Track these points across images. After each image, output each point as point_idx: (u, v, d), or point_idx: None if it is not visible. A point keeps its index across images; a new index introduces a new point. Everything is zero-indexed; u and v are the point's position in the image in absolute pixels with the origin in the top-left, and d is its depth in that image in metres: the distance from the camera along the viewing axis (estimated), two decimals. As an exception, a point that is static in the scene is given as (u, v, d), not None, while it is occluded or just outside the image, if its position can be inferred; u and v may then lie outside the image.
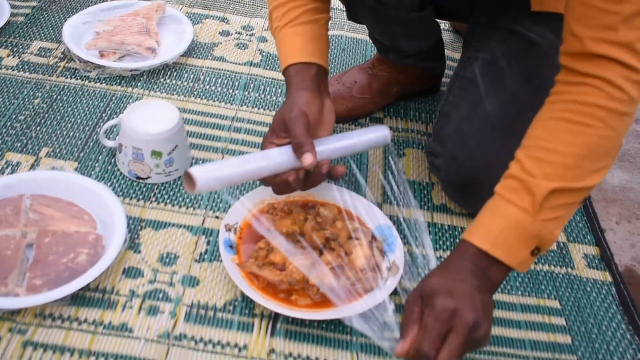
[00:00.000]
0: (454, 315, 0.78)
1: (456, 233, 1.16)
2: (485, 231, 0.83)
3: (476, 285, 0.81)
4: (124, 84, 1.37)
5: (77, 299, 0.96)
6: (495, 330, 1.01)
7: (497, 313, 1.03)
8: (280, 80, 1.44)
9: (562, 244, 1.17)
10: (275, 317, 0.97)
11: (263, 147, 0.99)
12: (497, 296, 1.06)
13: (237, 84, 1.42)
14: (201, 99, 1.37)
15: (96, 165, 1.18)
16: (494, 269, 0.82)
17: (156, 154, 1.11)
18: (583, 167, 0.80)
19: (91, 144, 1.22)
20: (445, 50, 1.45)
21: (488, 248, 0.81)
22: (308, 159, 0.92)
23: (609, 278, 1.13)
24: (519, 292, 1.07)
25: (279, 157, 0.95)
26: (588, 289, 1.11)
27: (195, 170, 0.88)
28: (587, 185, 0.81)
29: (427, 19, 1.29)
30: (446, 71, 1.49)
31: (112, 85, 1.37)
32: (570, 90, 0.80)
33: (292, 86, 1.03)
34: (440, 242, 1.14)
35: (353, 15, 1.25)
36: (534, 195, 0.79)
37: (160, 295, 0.98)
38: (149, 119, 1.11)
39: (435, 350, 0.77)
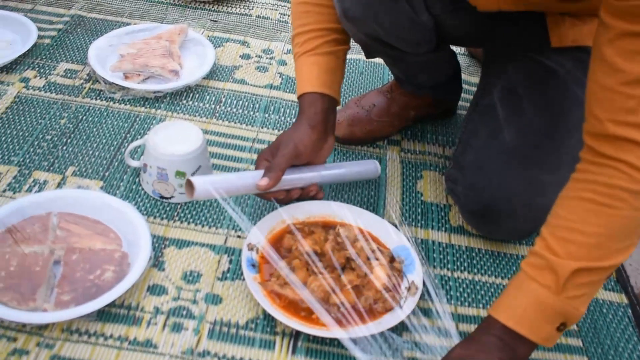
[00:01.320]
0: None
1: (473, 254, 1.18)
2: (510, 308, 0.85)
3: (500, 357, 0.83)
4: (148, 106, 1.40)
5: (103, 314, 0.98)
6: (513, 351, 1.02)
7: (515, 334, 1.05)
8: (300, 103, 1.47)
9: (578, 266, 1.19)
10: (296, 335, 0.99)
11: (258, 160, 1.09)
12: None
13: (257, 106, 1.45)
14: (223, 120, 1.40)
15: (121, 184, 1.21)
16: (519, 345, 0.84)
17: (180, 174, 1.14)
18: (607, 247, 0.81)
19: (116, 163, 1.25)
20: (462, 74, 1.47)
21: (513, 325, 0.83)
22: (263, 182, 1.04)
23: (625, 300, 1.14)
24: (536, 314, 1.08)
25: None
26: (604, 310, 1.12)
27: (195, 180, 1.01)
28: (612, 264, 0.81)
29: (444, 57, 1.32)
30: (462, 94, 1.51)
31: (136, 106, 1.40)
32: (594, 171, 0.81)
33: (303, 115, 1.11)
34: (458, 264, 1.15)
35: (370, 55, 1.28)
36: (557, 275, 0.81)
37: (184, 313, 1.00)
38: (174, 140, 1.14)
39: None
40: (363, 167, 1.22)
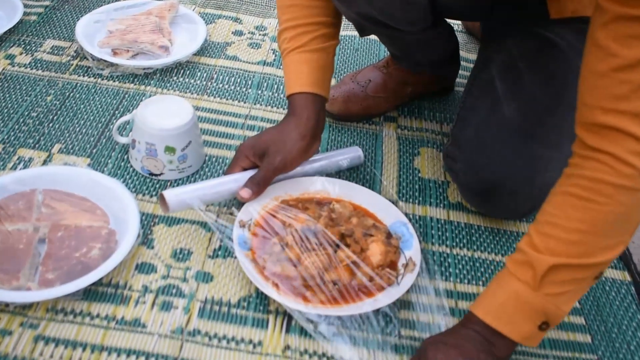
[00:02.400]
0: None
1: (472, 231, 1.14)
2: (488, 303, 0.83)
3: (481, 349, 0.82)
4: (137, 82, 1.37)
5: (90, 293, 0.94)
6: (514, 329, 0.99)
7: (516, 311, 1.02)
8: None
9: (580, 244, 1.16)
10: (290, 313, 0.95)
11: (238, 153, 1.05)
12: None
13: (250, 82, 1.41)
14: (214, 97, 1.36)
15: (109, 161, 1.17)
16: (499, 341, 0.82)
17: (170, 149, 1.10)
18: (589, 244, 0.78)
19: (104, 140, 1.21)
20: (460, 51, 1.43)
21: (490, 321, 0.82)
22: (246, 194, 1.02)
23: (628, 277, 1.11)
24: (537, 291, 1.05)
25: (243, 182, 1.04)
26: (607, 288, 1.09)
27: (167, 193, 0.99)
28: (597, 261, 0.78)
29: (441, 33, 1.28)
30: (460, 71, 1.48)
31: (125, 83, 1.36)
32: (581, 165, 0.78)
33: (294, 119, 1.07)
34: (457, 240, 1.12)
35: (364, 34, 1.24)
36: (535, 270, 0.79)
37: (174, 291, 0.97)
38: (163, 115, 1.10)
39: None
40: (345, 156, 1.18)
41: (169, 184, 1.14)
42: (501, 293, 0.82)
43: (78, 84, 1.34)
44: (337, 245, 1.00)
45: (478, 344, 0.82)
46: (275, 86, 1.41)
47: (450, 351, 0.82)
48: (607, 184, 0.75)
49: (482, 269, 1.08)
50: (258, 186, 1.03)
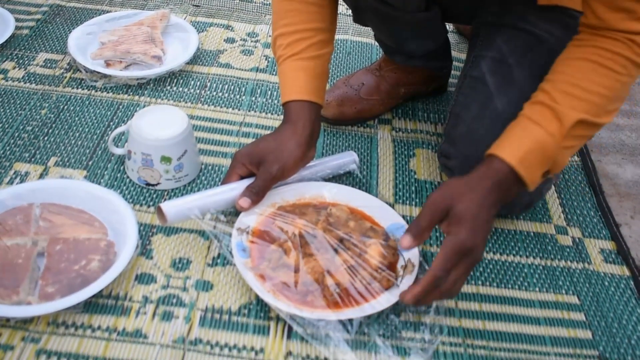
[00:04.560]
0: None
1: (470, 231, 1.14)
2: (515, 148, 0.90)
3: (491, 188, 0.89)
4: (131, 93, 1.37)
5: (90, 306, 0.95)
6: (515, 327, 0.99)
7: (516, 310, 1.02)
8: (287, 85, 1.43)
9: (577, 240, 1.16)
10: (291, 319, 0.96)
11: (235, 161, 1.05)
12: (515, 293, 1.05)
13: (244, 89, 1.42)
14: (208, 105, 1.36)
15: (105, 173, 1.17)
16: (511, 185, 0.90)
17: (165, 159, 1.11)
18: (602, 106, 0.90)
19: (99, 152, 1.21)
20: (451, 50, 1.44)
21: (515, 164, 0.89)
22: (245, 204, 1.02)
23: (627, 272, 1.12)
24: (537, 289, 1.06)
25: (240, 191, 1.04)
26: (606, 283, 1.09)
27: (165, 205, 0.99)
28: (603, 121, 0.91)
29: (433, 19, 1.28)
30: (452, 71, 1.48)
31: (119, 94, 1.36)
32: (598, 39, 0.90)
33: (290, 127, 1.07)
34: (455, 241, 1.12)
35: (359, 17, 1.25)
36: (562, 122, 0.88)
37: (174, 301, 0.97)
38: (158, 125, 1.11)
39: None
40: (341, 161, 1.19)
41: (165, 193, 1.14)
42: (528, 141, 0.89)
43: (72, 97, 1.34)
44: (336, 250, 1.00)
45: (491, 183, 0.89)
46: (269, 92, 1.42)
47: (463, 188, 0.90)
48: (625, 57, 0.88)
49: (481, 269, 1.08)
50: (257, 195, 1.03)
